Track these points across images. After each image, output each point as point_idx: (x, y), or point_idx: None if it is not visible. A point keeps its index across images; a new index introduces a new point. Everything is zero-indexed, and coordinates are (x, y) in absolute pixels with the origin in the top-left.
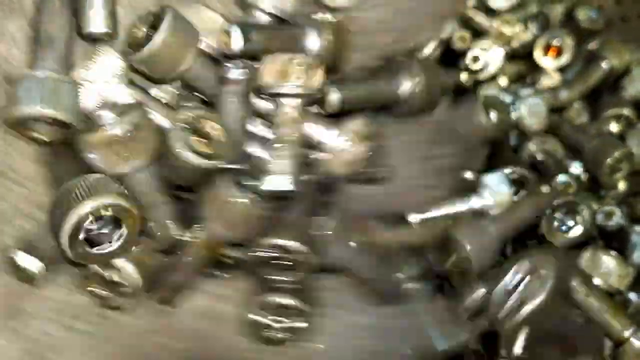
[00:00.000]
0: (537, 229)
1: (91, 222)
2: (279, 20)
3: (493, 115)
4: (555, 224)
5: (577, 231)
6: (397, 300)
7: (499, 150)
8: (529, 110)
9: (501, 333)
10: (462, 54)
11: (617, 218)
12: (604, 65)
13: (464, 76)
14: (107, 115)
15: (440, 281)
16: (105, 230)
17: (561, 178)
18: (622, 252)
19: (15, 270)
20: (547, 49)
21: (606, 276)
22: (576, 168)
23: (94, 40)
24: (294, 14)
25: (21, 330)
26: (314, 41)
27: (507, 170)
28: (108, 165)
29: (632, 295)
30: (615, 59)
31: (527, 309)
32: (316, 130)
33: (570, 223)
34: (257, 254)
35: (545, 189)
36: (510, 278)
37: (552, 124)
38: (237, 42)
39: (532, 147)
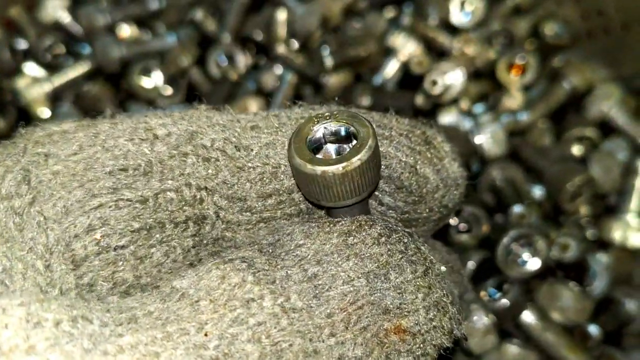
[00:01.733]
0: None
1: None
2: None
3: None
4: (511, 257)
5: (534, 264)
6: None
7: None
8: (489, 137)
9: None
10: (421, 77)
11: (573, 250)
12: (566, 85)
13: (420, 100)
14: None
15: None
16: None
17: (516, 209)
18: (582, 281)
19: None
20: (510, 67)
21: (564, 310)
22: (537, 192)
23: None
24: None
25: None
26: None
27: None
28: None
29: (592, 328)
30: (577, 78)
31: None
32: None
33: (526, 256)
34: None
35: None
36: None
37: (513, 148)
38: None
39: (494, 173)
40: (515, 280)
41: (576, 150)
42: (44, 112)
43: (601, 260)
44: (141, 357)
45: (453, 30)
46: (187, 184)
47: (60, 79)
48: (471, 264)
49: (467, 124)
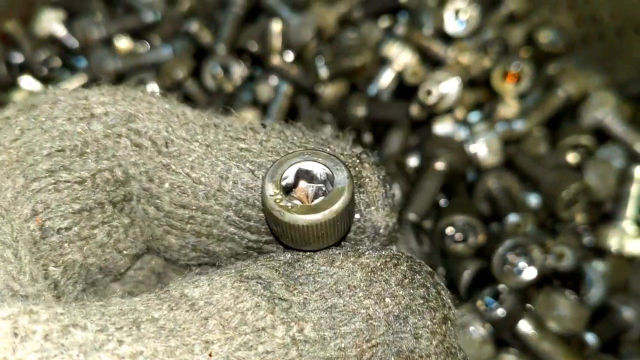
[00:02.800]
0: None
1: None
2: None
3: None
4: (507, 266)
5: (530, 273)
6: None
7: (454, 191)
8: (484, 146)
9: None
10: (417, 87)
11: (569, 259)
12: (560, 92)
13: (414, 110)
14: None
15: None
16: None
17: (512, 218)
18: (578, 289)
19: None
20: (505, 75)
21: (561, 319)
22: (533, 200)
23: None
24: None
25: None
26: None
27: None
28: None
29: (590, 337)
30: (572, 85)
31: None
32: None
33: (522, 265)
34: None
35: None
36: None
37: (508, 156)
38: None
39: (489, 182)
40: (511, 289)
41: (571, 158)
42: None
43: (597, 268)
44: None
45: (448, 39)
46: (119, 165)
47: None
48: (467, 274)
49: (462, 133)
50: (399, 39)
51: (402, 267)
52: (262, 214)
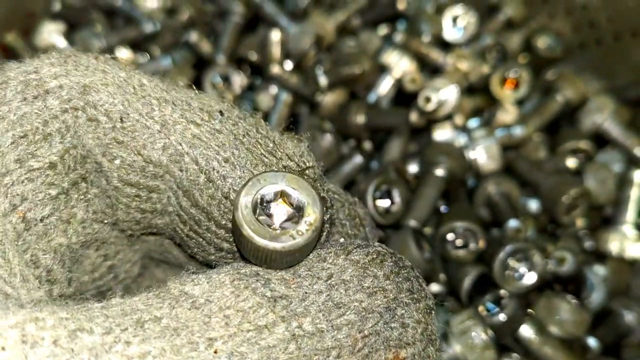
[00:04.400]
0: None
1: None
2: None
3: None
4: (508, 271)
5: (531, 278)
6: None
7: (454, 197)
8: (483, 152)
9: None
10: (416, 94)
11: (570, 264)
12: (559, 98)
13: (414, 117)
14: None
15: None
16: None
17: (512, 223)
18: (579, 294)
19: None
20: (504, 81)
21: (562, 323)
22: (533, 205)
23: None
24: None
25: None
26: None
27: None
28: None
29: (591, 341)
30: (570, 90)
31: None
32: None
33: (523, 270)
34: None
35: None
36: None
37: (508, 162)
38: None
39: (489, 188)
40: (512, 294)
41: (571, 162)
42: None
43: (598, 272)
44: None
45: (446, 46)
46: (81, 141)
47: None
48: (468, 280)
49: (461, 140)
50: (398, 46)
51: (388, 262)
52: (209, 201)
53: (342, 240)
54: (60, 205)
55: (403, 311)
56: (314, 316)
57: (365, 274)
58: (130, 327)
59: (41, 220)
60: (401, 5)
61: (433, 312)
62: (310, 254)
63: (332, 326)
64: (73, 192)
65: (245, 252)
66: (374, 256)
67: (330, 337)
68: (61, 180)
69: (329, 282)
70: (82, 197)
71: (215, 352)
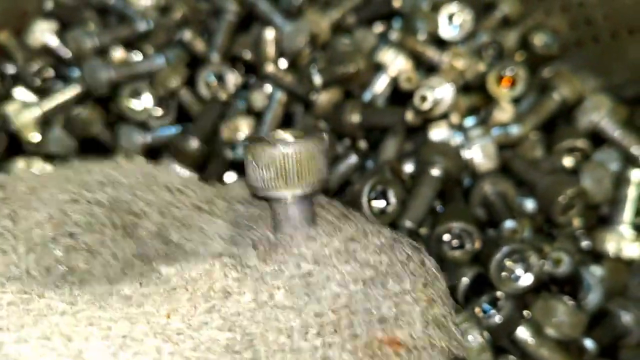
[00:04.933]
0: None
1: None
2: None
3: None
4: (504, 272)
5: (527, 279)
6: None
7: (450, 197)
8: (479, 151)
9: None
10: (411, 93)
11: (566, 265)
12: (556, 96)
13: (409, 116)
14: None
15: None
16: None
17: (508, 224)
18: (576, 295)
19: None
20: (500, 79)
21: (559, 325)
22: (529, 205)
23: None
24: None
25: None
26: None
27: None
28: None
29: (588, 342)
30: (566, 89)
31: None
32: None
33: (519, 271)
34: None
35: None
36: None
37: (504, 161)
38: None
39: (485, 188)
40: (509, 296)
41: (567, 161)
42: (35, 137)
43: (595, 273)
44: (86, 321)
45: (442, 44)
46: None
47: (49, 104)
48: (465, 280)
49: (457, 139)
50: (393, 44)
51: (384, 236)
52: None
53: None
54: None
55: (395, 284)
56: (288, 289)
57: (352, 247)
58: (94, 299)
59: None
60: (396, 3)
61: (439, 290)
62: (299, 233)
63: (311, 298)
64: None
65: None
66: (367, 230)
67: (309, 310)
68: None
69: (312, 256)
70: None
71: (168, 316)
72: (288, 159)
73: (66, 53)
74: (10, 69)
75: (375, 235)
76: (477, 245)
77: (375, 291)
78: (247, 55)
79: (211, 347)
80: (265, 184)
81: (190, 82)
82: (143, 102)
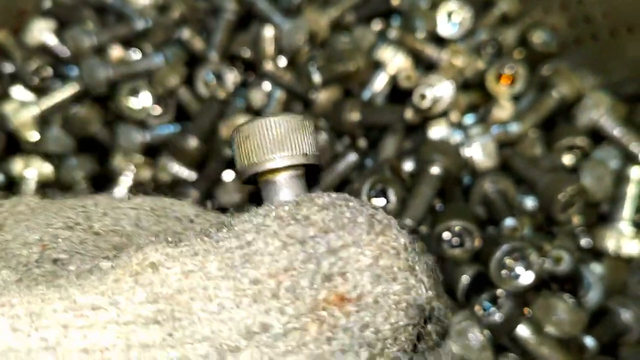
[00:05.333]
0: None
1: None
2: None
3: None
4: (504, 271)
5: (528, 278)
6: None
7: (450, 195)
8: (479, 149)
9: None
10: (411, 91)
11: (566, 263)
12: (555, 94)
13: (409, 114)
14: None
15: None
16: None
17: (508, 222)
18: (576, 292)
19: None
20: (499, 77)
21: (559, 323)
22: (529, 203)
23: None
24: None
25: None
26: None
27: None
28: None
29: (588, 340)
30: (566, 87)
31: None
32: None
33: (520, 269)
34: None
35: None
36: None
37: (504, 159)
38: None
39: (485, 186)
40: (509, 294)
41: (567, 159)
42: (33, 136)
43: (595, 271)
44: None
45: (441, 41)
46: None
47: (47, 102)
48: (465, 279)
49: (457, 137)
50: (392, 42)
51: (330, 196)
52: None
53: None
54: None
55: (338, 238)
56: (221, 260)
57: (295, 211)
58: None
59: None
60: (395, 1)
61: (392, 241)
62: (244, 213)
63: (249, 266)
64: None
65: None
66: (314, 195)
67: (248, 279)
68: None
69: (252, 227)
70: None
71: (84, 292)
72: (265, 128)
73: (64, 52)
74: (8, 68)
75: (321, 197)
76: (477, 243)
77: (317, 248)
78: (246, 53)
79: (130, 320)
80: (247, 160)
81: (189, 81)
82: (141, 101)
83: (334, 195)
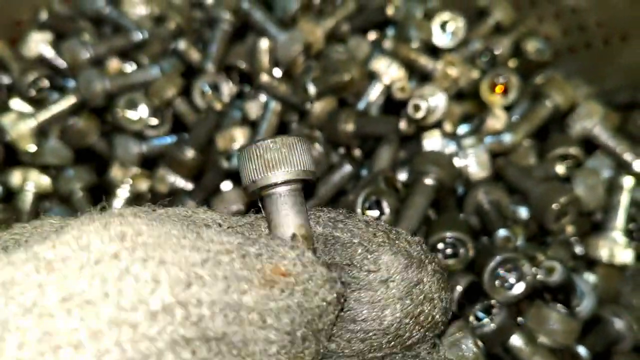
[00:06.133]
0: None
1: None
2: None
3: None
4: (498, 281)
5: (520, 288)
6: None
7: (444, 205)
8: (473, 160)
9: None
10: (405, 102)
11: (559, 273)
12: (548, 103)
13: (403, 125)
14: None
15: None
16: None
17: (501, 233)
18: (569, 302)
19: None
20: (493, 86)
21: (552, 333)
22: (523, 213)
23: None
24: None
25: None
26: None
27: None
28: None
29: (581, 350)
30: (559, 96)
31: None
32: None
33: (512, 280)
34: None
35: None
36: None
37: (497, 169)
38: None
39: (479, 196)
40: (502, 304)
41: (560, 169)
42: (31, 148)
43: (588, 280)
44: None
45: (435, 51)
46: None
47: (45, 114)
48: (459, 289)
49: (451, 147)
50: (387, 53)
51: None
52: None
53: None
54: None
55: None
56: (173, 246)
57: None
58: None
59: None
60: (390, 11)
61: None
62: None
63: (200, 238)
64: None
65: (257, 168)
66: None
67: (202, 238)
68: None
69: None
70: None
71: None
72: (266, 149)
73: (61, 64)
74: (6, 80)
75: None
76: (471, 253)
77: (247, 243)
78: (242, 64)
79: (100, 258)
80: (251, 177)
81: (186, 92)
82: (139, 112)
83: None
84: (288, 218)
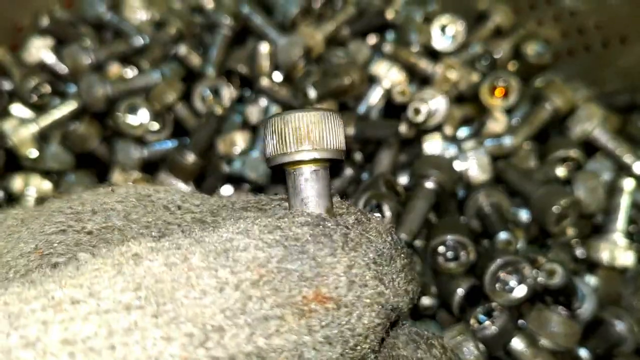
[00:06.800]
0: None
1: None
2: None
3: None
4: (498, 284)
5: (521, 291)
6: None
7: (445, 208)
8: (473, 163)
9: None
10: (405, 105)
11: (560, 276)
12: (548, 106)
13: (403, 128)
14: None
15: None
16: None
17: (502, 236)
18: (570, 305)
19: None
20: (493, 89)
21: (553, 336)
22: (523, 216)
23: None
24: None
25: None
26: None
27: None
28: None
29: (583, 352)
30: (559, 99)
31: None
32: None
33: (513, 283)
34: None
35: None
36: None
37: (498, 172)
38: None
39: (479, 199)
40: (504, 307)
41: (560, 171)
42: (32, 153)
43: (589, 282)
44: None
45: (435, 55)
46: None
47: (46, 120)
48: (460, 292)
49: (451, 150)
50: (387, 56)
51: (310, 215)
52: None
53: None
54: None
55: (316, 249)
56: (205, 253)
57: (277, 223)
58: None
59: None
60: (390, 15)
61: (364, 256)
62: (233, 216)
63: (227, 260)
64: None
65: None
66: (294, 211)
67: (227, 270)
68: None
69: (236, 229)
70: None
71: (63, 287)
72: (292, 122)
73: (62, 69)
74: (7, 86)
75: (301, 215)
76: (472, 256)
77: (294, 252)
78: (242, 69)
79: (110, 307)
80: (275, 151)
81: (186, 97)
82: (139, 117)
83: (311, 215)
84: (311, 199)
